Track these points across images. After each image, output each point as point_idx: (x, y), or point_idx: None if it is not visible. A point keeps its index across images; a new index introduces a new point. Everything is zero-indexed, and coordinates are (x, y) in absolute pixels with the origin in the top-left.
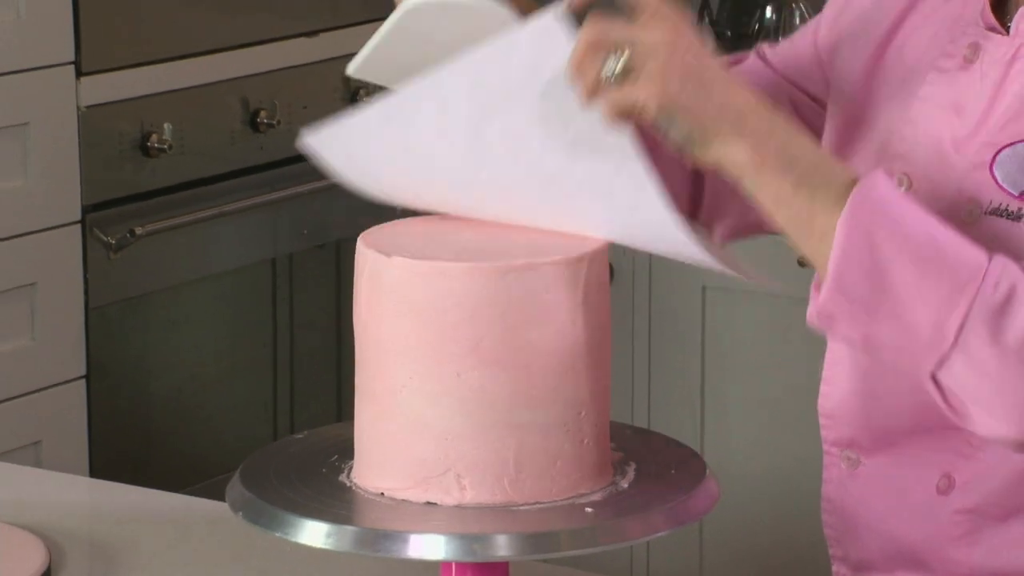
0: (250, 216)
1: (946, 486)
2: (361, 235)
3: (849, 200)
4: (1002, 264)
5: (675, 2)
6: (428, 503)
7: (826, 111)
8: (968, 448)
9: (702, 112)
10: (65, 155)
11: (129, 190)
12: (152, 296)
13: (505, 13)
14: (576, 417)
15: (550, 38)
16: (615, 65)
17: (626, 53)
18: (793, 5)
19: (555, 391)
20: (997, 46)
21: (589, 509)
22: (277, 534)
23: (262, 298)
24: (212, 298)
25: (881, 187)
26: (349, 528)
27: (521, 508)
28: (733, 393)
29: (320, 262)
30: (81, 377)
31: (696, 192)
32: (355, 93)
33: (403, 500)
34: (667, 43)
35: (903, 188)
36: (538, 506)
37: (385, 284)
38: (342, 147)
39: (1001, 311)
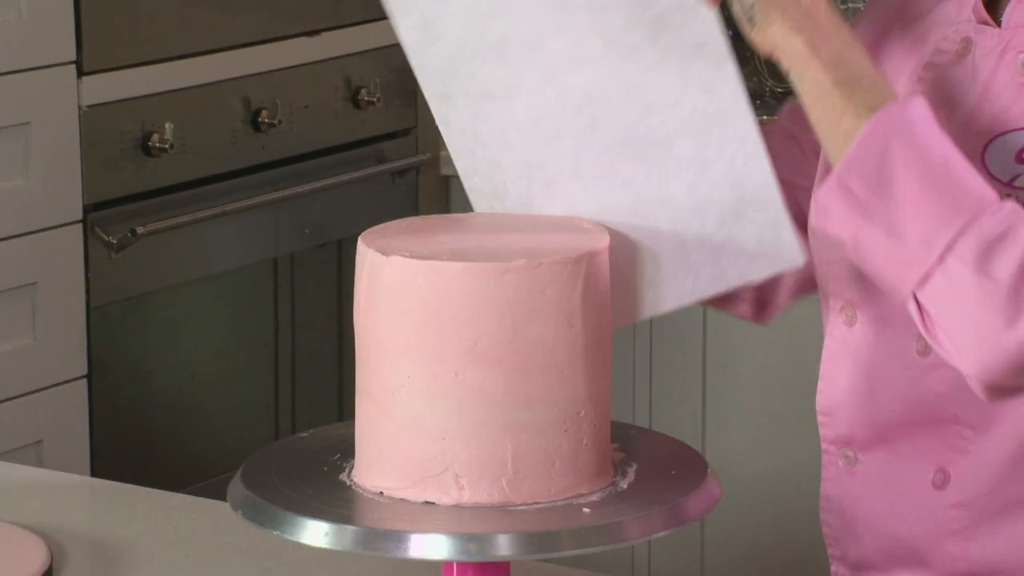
0: (251, 216)
1: (941, 481)
2: (361, 235)
3: (881, 109)
4: (1011, 207)
5: None
6: (426, 502)
7: None
8: (961, 441)
9: None
10: (66, 154)
11: (130, 189)
12: (153, 295)
13: None
14: (575, 417)
15: None
16: None
17: None
18: None
19: (553, 391)
20: (988, 39)
21: (587, 509)
22: (277, 533)
23: (263, 298)
24: (213, 298)
25: (917, 109)
26: (349, 527)
27: (519, 508)
28: (734, 393)
29: (321, 262)
30: (82, 377)
31: None
32: (356, 92)
33: (401, 499)
34: None
35: None
36: (536, 506)
37: (384, 284)
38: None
39: (994, 244)
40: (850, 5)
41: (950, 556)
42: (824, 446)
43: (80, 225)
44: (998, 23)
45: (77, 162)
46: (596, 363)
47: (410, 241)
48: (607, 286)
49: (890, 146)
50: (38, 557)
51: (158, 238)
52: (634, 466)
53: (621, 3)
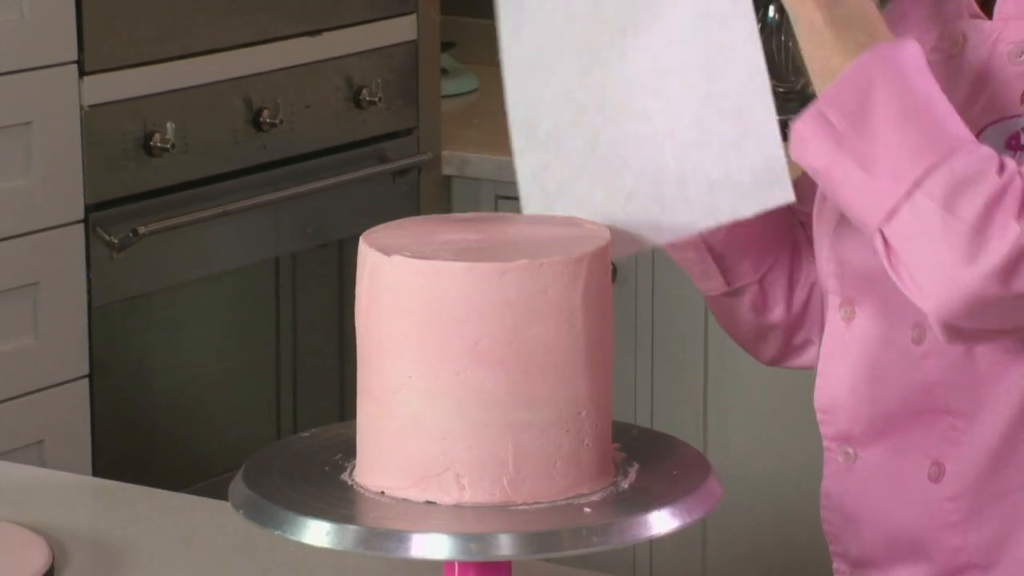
0: (253, 215)
1: (936, 474)
2: (363, 234)
3: (869, 49)
4: (987, 151)
5: None
6: (428, 502)
7: None
8: (953, 432)
9: None
10: (68, 154)
11: (132, 189)
12: (155, 295)
13: None
14: (576, 417)
15: None
16: None
17: None
18: None
19: (555, 391)
20: (980, 31)
21: (588, 509)
22: (278, 533)
23: (265, 297)
24: (215, 297)
25: (908, 50)
26: (351, 527)
27: (520, 508)
28: (736, 393)
29: (323, 262)
30: (84, 376)
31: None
32: (358, 92)
33: (403, 499)
34: None
35: None
36: (537, 506)
37: (385, 283)
38: None
39: (964, 184)
40: None
41: (950, 548)
42: (825, 443)
43: (81, 225)
44: (991, 17)
45: (78, 162)
46: (597, 363)
47: (411, 241)
48: (609, 286)
49: (874, 83)
50: (40, 557)
51: (159, 238)
52: (635, 466)
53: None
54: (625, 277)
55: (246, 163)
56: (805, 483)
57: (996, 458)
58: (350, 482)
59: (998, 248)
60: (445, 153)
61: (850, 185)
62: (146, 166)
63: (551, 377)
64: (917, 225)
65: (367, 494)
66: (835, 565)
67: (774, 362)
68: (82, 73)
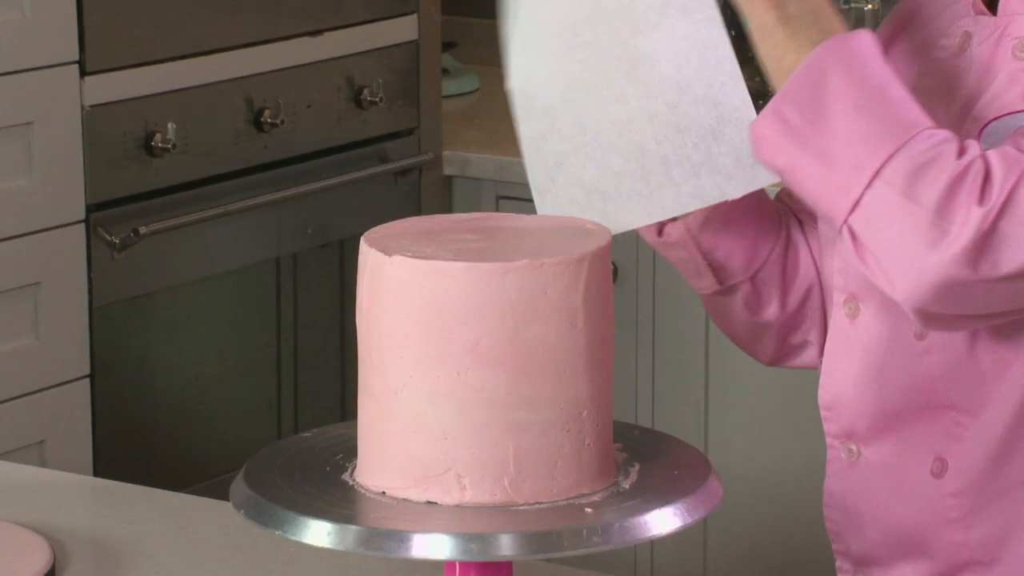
0: (254, 215)
1: (939, 469)
2: (364, 234)
3: (822, 43)
4: (944, 135)
5: None
6: (428, 502)
7: None
8: (956, 428)
9: None
10: (69, 154)
11: (133, 189)
12: (156, 295)
13: None
14: (577, 417)
15: None
16: None
17: None
18: None
19: (555, 391)
20: (985, 28)
21: (589, 509)
22: (279, 533)
23: (266, 297)
24: (216, 297)
25: (860, 40)
26: (352, 527)
27: (521, 508)
28: (737, 393)
29: (324, 262)
30: (85, 376)
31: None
32: (359, 92)
33: (404, 499)
34: None
35: None
36: (538, 506)
37: (386, 283)
38: None
39: (922, 169)
40: (852, 5)
41: (952, 544)
42: (828, 441)
43: (83, 225)
44: (995, 13)
45: (80, 162)
46: (598, 363)
47: (412, 241)
48: (610, 286)
49: (827, 76)
50: (41, 557)
51: (161, 238)
52: (636, 466)
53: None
54: (626, 277)
55: (247, 163)
56: (806, 483)
57: (999, 454)
58: (351, 482)
59: (961, 234)
60: (446, 153)
61: (813, 181)
62: (147, 166)
63: (552, 377)
64: (880, 215)
65: (368, 494)
66: (838, 564)
67: (773, 363)
68: (83, 73)
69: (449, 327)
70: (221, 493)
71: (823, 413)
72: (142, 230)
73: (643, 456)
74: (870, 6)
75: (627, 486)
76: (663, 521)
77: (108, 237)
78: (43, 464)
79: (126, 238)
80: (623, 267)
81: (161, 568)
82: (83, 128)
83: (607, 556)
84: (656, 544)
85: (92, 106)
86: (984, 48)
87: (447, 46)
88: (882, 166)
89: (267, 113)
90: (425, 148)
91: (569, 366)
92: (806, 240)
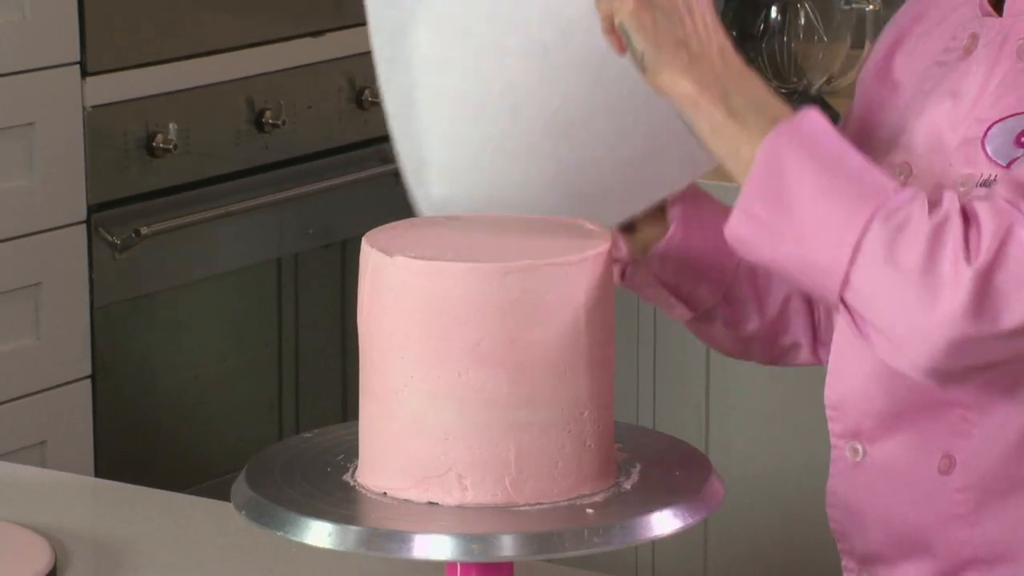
0: (255, 216)
1: (947, 466)
2: (365, 235)
3: (772, 130)
4: (910, 193)
5: None
6: (430, 503)
7: None
8: (965, 425)
9: (660, 41)
10: (70, 155)
11: (134, 190)
12: (157, 296)
13: None
14: (578, 418)
15: None
16: None
17: None
18: (798, 5)
19: (556, 392)
20: (991, 29)
21: (590, 510)
22: (281, 533)
23: (267, 298)
24: (217, 298)
25: (808, 122)
26: (353, 528)
27: (522, 508)
28: (738, 393)
29: (325, 262)
30: (86, 377)
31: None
32: (360, 93)
33: (405, 500)
34: None
35: (902, 178)
36: (539, 507)
37: (387, 284)
38: None
39: (897, 234)
40: (854, 6)
41: (956, 542)
42: (833, 440)
43: (84, 225)
44: (1001, 14)
45: (81, 162)
46: (599, 363)
47: (413, 241)
48: (611, 287)
49: (784, 163)
50: (42, 557)
51: (162, 238)
52: (637, 466)
53: (535, 3)
54: None
55: (248, 164)
56: (807, 483)
57: (1011, 450)
58: (352, 483)
59: (956, 293)
60: None
61: (799, 268)
62: (148, 167)
63: (553, 378)
64: (871, 288)
65: (369, 495)
66: (844, 562)
67: (770, 364)
68: (84, 74)
69: (450, 327)
70: (222, 494)
71: (829, 412)
72: (143, 230)
73: (644, 456)
74: (871, 7)
75: (628, 487)
76: (664, 522)
77: (109, 237)
78: (44, 464)
79: (127, 238)
80: None
81: (162, 568)
82: (84, 128)
83: (608, 556)
84: (657, 545)
85: (93, 106)
86: (990, 49)
87: None
88: (859, 239)
89: (268, 113)
90: None
91: (570, 366)
92: None
